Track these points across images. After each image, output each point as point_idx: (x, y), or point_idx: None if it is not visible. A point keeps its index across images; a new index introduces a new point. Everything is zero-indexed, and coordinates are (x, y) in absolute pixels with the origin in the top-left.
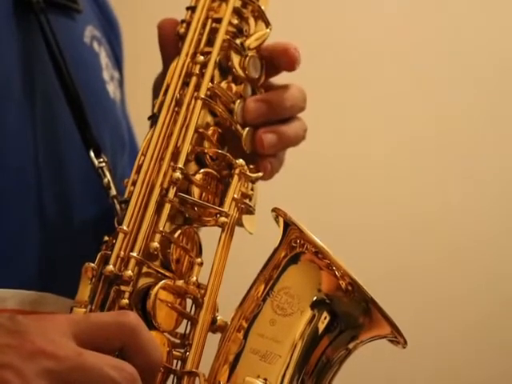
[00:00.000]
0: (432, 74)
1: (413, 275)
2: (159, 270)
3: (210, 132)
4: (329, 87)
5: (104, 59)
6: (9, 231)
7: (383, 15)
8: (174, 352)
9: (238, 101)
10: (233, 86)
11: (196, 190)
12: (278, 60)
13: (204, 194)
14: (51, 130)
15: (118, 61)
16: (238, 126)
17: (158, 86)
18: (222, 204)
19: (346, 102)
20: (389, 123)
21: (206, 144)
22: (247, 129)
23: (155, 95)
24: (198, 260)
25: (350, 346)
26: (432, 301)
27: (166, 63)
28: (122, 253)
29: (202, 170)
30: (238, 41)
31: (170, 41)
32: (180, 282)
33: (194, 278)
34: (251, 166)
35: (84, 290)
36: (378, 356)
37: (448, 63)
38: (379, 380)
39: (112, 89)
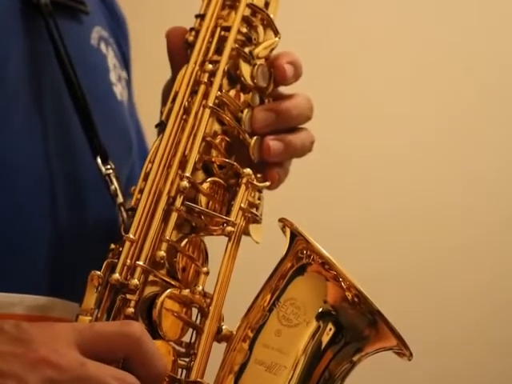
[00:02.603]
0: (433, 74)
1: (413, 275)
2: (165, 278)
3: (217, 141)
4: (329, 89)
5: (112, 60)
6: (19, 235)
7: (388, 18)
8: (178, 361)
9: (246, 110)
10: (241, 94)
11: (203, 199)
12: (274, 73)
13: (211, 203)
14: (61, 133)
15: (125, 60)
16: (246, 135)
17: (167, 93)
18: (228, 213)
19: (346, 103)
20: (389, 124)
21: (214, 153)
22: (255, 138)
23: (164, 102)
24: (204, 269)
25: (355, 358)
26: (432, 301)
27: (175, 71)
28: (129, 261)
29: (209, 179)
30: (246, 49)
31: (179, 48)
32: (186, 292)
33: (200, 287)
34: (258, 176)
35: (90, 298)
36: (377, 355)
37: (449, 63)
38: (378, 379)
39: (119, 90)
